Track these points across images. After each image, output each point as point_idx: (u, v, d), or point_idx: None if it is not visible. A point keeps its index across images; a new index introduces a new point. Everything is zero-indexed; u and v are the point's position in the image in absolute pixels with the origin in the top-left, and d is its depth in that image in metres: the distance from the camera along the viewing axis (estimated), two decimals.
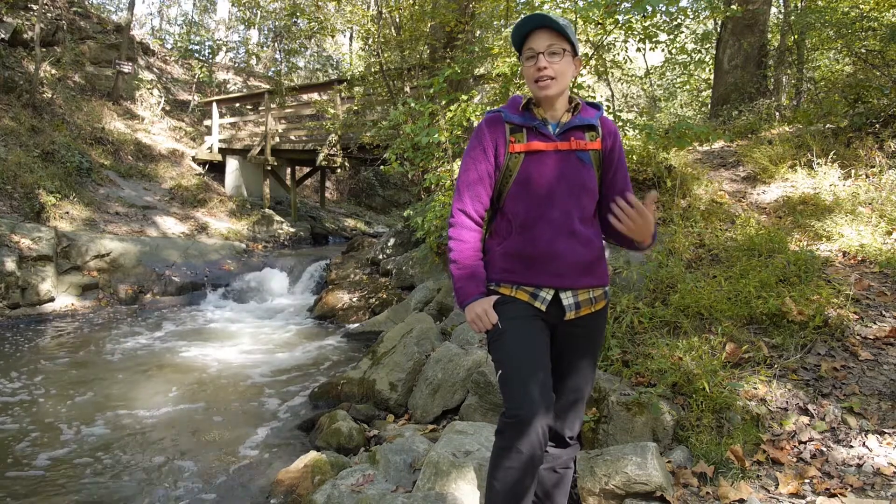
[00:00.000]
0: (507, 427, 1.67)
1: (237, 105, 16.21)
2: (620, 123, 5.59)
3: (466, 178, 1.83)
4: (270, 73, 20.55)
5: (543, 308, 1.77)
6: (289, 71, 20.25)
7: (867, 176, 4.88)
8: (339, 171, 12.68)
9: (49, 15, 13.21)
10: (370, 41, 9.95)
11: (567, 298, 1.78)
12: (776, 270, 3.60)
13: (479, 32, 9.08)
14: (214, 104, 13.77)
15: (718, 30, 10.17)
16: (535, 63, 1.72)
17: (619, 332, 3.39)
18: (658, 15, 5.77)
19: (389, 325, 5.70)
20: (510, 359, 1.73)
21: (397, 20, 9.37)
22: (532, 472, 1.67)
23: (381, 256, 8.26)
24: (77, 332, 6.48)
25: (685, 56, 9.93)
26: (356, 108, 10.94)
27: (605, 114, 1.88)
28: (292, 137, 13.14)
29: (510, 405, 1.68)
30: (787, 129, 6.50)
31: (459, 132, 5.75)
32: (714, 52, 9.99)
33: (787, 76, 9.94)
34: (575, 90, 5.33)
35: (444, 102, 5.78)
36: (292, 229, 11.93)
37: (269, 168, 12.61)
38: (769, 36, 9.90)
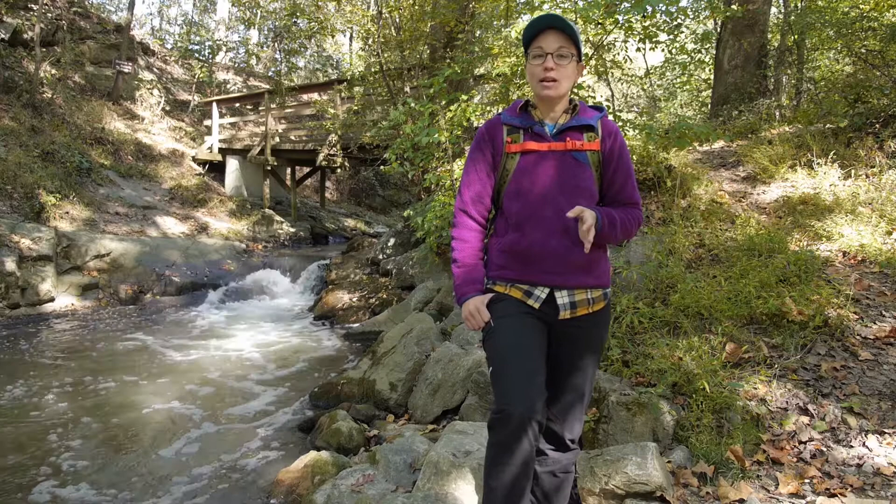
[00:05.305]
0: (496, 423, 1.68)
1: (237, 105, 16.19)
2: (620, 123, 5.59)
3: (467, 179, 1.89)
4: (270, 73, 20.54)
5: (537, 306, 1.79)
6: (289, 71, 20.26)
7: (867, 176, 4.88)
8: (339, 171, 12.68)
9: (49, 15, 13.21)
10: (370, 41, 9.96)
11: (562, 297, 1.79)
12: (776, 270, 3.60)
13: (479, 32, 9.07)
14: (214, 104, 13.77)
15: (718, 30, 10.16)
16: (543, 63, 1.76)
17: (619, 332, 3.39)
18: (658, 15, 5.75)
19: (389, 325, 5.70)
20: (499, 355, 1.76)
21: (397, 20, 9.37)
22: (525, 468, 1.66)
23: (381, 256, 8.26)
24: (77, 332, 6.48)
25: (685, 56, 9.92)
26: (356, 108, 10.93)
27: (608, 116, 1.90)
28: (292, 137, 13.14)
29: (498, 400, 1.69)
30: (787, 129, 6.50)
31: (459, 132, 5.75)
32: (714, 52, 9.99)
33: (787, 76, 9.94)
34: (575, 90, 5.32)
35: (444, 102, 5.78)
36: (292, 229, 11.92)
37: (269, 168, 12.61)
38: (769, 36, 9.90)
